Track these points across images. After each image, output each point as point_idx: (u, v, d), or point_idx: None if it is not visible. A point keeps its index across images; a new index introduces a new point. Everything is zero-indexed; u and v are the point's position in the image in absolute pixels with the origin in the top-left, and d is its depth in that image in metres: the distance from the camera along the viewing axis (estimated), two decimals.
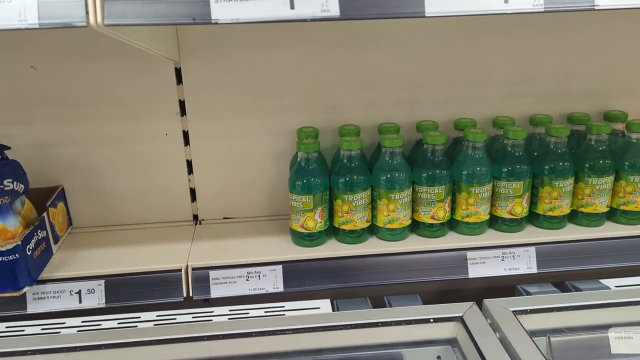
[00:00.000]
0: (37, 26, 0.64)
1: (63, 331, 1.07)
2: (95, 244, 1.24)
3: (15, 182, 1.05)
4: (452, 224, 1.25)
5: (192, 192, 1.34)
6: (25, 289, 1.06)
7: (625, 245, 1.22)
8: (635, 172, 1.22)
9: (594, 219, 1.25)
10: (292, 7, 0.62)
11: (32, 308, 1.10)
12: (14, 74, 1.19)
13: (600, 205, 1.24)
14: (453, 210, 1.24)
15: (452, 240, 1.22)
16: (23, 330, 1.08)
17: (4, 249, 1.01)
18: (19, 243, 1.02)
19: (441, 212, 1.21)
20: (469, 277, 1.19)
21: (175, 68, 1.22)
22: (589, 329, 1.08)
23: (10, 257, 1.02)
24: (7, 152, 1.11)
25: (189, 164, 1.31)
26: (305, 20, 0.64)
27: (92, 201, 1.31)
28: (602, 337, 1.07)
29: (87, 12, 0.64)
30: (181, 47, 1.21)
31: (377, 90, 1.30)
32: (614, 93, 1.36)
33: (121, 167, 1.29)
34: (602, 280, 1.17)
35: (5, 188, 1.03)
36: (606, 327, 1.07)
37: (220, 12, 0.64)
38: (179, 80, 1.23)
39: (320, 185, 1.16)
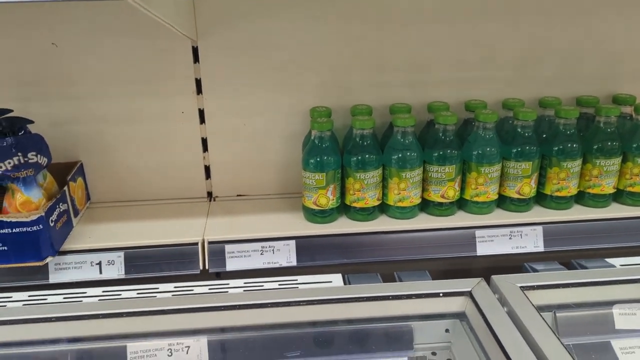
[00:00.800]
0: None
1: (84, 300, 1.11)
2: (113, 218, 1.28)
3: (38, 155, 1.08)
4: (461, 203, 1.28)
5: (207, 169, 1.37)
6: (48, 259, 1.10)
7: (631, 225, 1.25)
8: None
9: (601, 200, 1.28)
10: None
11: (54, 278, 1.14)
12: (35, 51, 1.22)
13: (607, 186, 1.26)
14: (462, 189, 1.26)
15: (461, 219, 1.25)
16: (45, 299, 1.12)
17: (28, 219, 1.05)
18: (43, 214, 1.06)
19: (451, 191, 1.24)
20: (477, 254, 1.22)
21: (193, 47, 1.25)
22: (594, 305, 1.10)
23: (34, 227, 1.06)
24: (29, 127, 1.14)
25: (204, 141, 1.34)
26: None
27: (110, 177, 1.34)
28: (606, 314, 1.10)
29: None
30: (198, 25, 1.23)
31: (389, 71, 1.32)
32: (623, 76, 1.37)
33: (138, 144, 1.32)
34: (608, 260, 1.19)
35: (30, 161, 1.06)
36: (611, 303, 1.10)
37: None
38: (196, 59, 1.26)
39: (333, 163, 1.19)
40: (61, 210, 1.15)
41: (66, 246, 1.15)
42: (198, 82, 1.28)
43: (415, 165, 1.20)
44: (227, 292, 1.14)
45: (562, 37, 1.33)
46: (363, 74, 1.31)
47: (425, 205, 1.27)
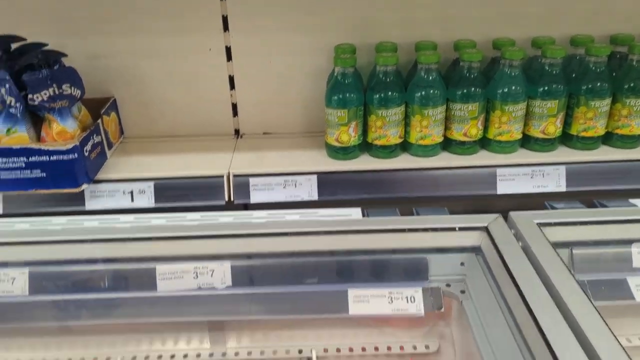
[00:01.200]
0: None
1: (118, 225, 1.18)
2: (145, 152, 1.34)
3: (72, 88, 1.13)
4: (484, 143, 1.28)
5: (234, 107, 1.40)
6: (84, 187, 1.17)
7: None
8: None
9: (629, 141, 1.25)
10: None
11: (89, 205, 1.22)
12: None
13: (637, 127, 1.23)
14: (486, 128, 1.26)
15: (483, 157, 1.25)
16: (82, 224, 1.20)
17: (64, 148, 1.11)
18: (77, 144, 1.12)
19: (474, 130, 1.23)
20: (497, 193, 1.23)
21: None
22: (612, 243, 1.10)
23: (70, 156, 1.12)
24: (63, 61, 1.19)
25: (231, 79, 1.37)
26: None
27: (142, 113, 1.40)
28: (624, 252, 1.10)
29: None
30: None
31: (415, 8, 1.30)
32: None
33: (169, 80, 1.36)
34: (632, 200, 1.18)
35: (64, 92, 1.12)
36: (630, 242, 1.10)
37: None
38: None
39: (355, 100, 1.20)
40: (95, 141, 1.21)
41: (100, 175, 1.22)
42: (225, 19, 1.30)
43: (438, 103, 1.20)
44: (250, 222, 1.20)
45: None
46: (389, 11, 1.30)
47: (448, 144, 1.27)
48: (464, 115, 1.22)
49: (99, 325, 1.15)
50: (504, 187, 1.23)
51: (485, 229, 1.10)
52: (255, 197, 1.24)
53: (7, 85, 1.08)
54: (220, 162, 1.27)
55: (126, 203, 1.22)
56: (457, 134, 1.25)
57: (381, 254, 1.13)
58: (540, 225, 1.10)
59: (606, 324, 0.81)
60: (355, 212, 1.23)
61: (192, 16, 1.29)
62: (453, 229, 1.12)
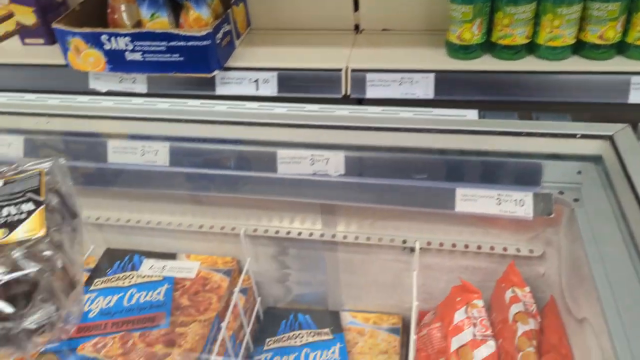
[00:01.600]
0: None
1: (244, 111, 1.28)
2: (269, 43, 1.40)
3: None
4: (621, 47, 1.18)
5: (356, 2, 1.40)
6: (215, 72, 1.27)
7: None
8: None
9: None
10: None
11: (219, 90, 1.32)
12: None
13: None
14: (625, 31, 1.16)
15: (618, 63, 1.17)
16: (213, 107, 1.31)
17: (199, 34, 1.20)
18: (211, 30, 1.20)
19: (611, 32, 1.14)
20: (629, 102, 1.15)
21: None
22: None
23: (204, 42, 1.21)
24: None
25: None
26: None
27: (268, 5, 1.45)
28: None
29: None
30: None
31: None
32: None
33: None
34: None
35: None
36: None
37: None
38: None
39: None
40: (225, 30, 1.29)
41: (229, 63, 1.31)
42: None
43: (575, 1, 1.12)
44: (366, 117, 1.24)
45: None
46: None
47: (579, 47, 1.20)
48: (602, 16, 1.13)
49: (226, 198, 1.29)
50: (636, 96, 1.15)
51: (610, 138, 1.06)
52: (370, 93, 1.27)
53: None
54: (339, 57, 1.31)
55: (251, 91, 1.31)
56: (591, 36, 1.16)
57: (493, 156, 1.13)
58: None
59: None
60: (471, 114, 1.22)
61: None
62: (573, 136, 1.08)
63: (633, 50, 1.16)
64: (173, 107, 1.32)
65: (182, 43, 1.21)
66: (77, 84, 1.36)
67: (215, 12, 1.29)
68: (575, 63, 1.19)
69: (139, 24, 1.34)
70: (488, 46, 1.24)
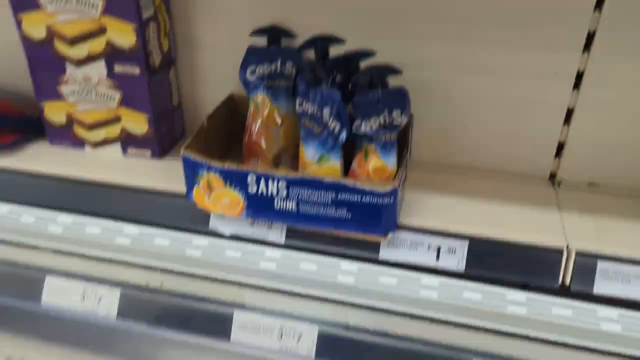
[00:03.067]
0: None
1: (421, 291, 0.95)
2: (443, 189, 1.07)
3: (402, 115, 0.89)
4: None
5: (560, 146, 1.09)
6: (390, 236, 0.94)
7: None
8: None
9: None
10: None
11: (384, 254, 0.98)
12: None
13: None
14: None
15: None
16: (377, 279, 0.98)
17: (382, 190, 0.87)
18: (397, 187, 0.88)
19: None
20: None
21: None
22: None
23: (385, 200, 0.89)
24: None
25: (569, 112, 1.05)
26: None
27: (437, 135, 1.14)
28: None
29: None
30: None
31: None
32: None
33: (483, 101, 1.08)
34: None
35: (394, 122, 0.88)
36: None
37: None
38: (599, 4, 0.94)
39: None
40: (402, 178, 0.97)
41: (401, 220, 0.98)
42: (590, 37, 0.96)
43: None
44: (597, 324, 0.90)
45: None
46: None
47: None
48: None
49: None
50: None
51: None
52: (599, 287, 0.92)
53: (336, 108, 0.86)
54: (549, 226, 0.97)
55: (430, 260, 0.97)
56: None
57: None
58: None
59: None
60: None
61: (549, 27, 0.97)
62: None
63: None
64: (323, 272, 0.99)
65: (355, 197, 0.89)
66: (193, 220, 1.04)
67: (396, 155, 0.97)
68: None
69: (284, 153, 1.03)
70: None
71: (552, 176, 1.12)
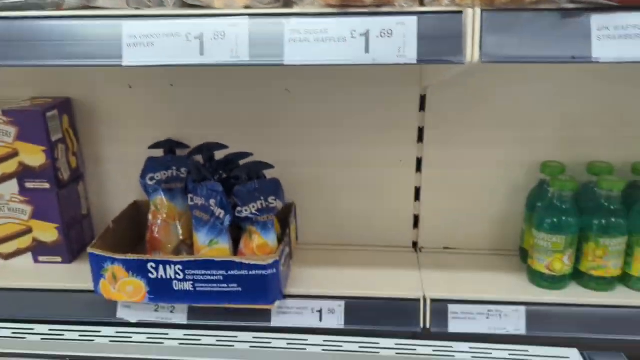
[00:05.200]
0: (415, 62, 0.65)
1: (308, 349, 1.09)
2: (324, 262, 1.26)
3: (277, 200, 1.09)
4: None
5: (416, 218, 1.32)
6: (276, 303, 1.09)
7: None
8: None
9: None
10: None
11: (276, 322, 1.13)
12: (268, 96, 1.25)
13: None
14: None
15: None
16: (270, 343, 1.11)
17: (265, 263, 1.05)
18: (278, 258, 1.06)
19: None
20: None
21: (420, 95, 1.22)
22: None
23: (269, 271, 1.05)
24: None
25: (417, 190, 1.30)
26: None
27: (317, 219, 1.34)
28: None
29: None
30: (424, 73, 1.20)
31: (627, 127, 1.20)
32: None
33: (351, 189, 1.31)
34: None
35: (270, 205, 1.07)
36: None
37: (600, 51, 0.60)
38: (422, 107, 1.22)
39: (574, 226, 1.09)
40: (286, 253, 1.15)
41: (288, 290, 1.14)
42: (420, 131, 1.24)
43: None
44: (453, 356, 1.07)
45: None
46: (600, 129, 1.20)
47: None
48: None
49: None
50: None
51: None
52: (454, 327, 1.11)
53: (219, 198, 1.04)
54: (410, 282, 1.17)
55: (314, 322, 1.13)
56: None
57: None
58: None
59: None
60: (573, 355, 1.08)
61: (389, 127, 1.24)
62: None
63: None
64: (221, 343, 1.11)
65: (243, 272, 1.05)
66: (101, 312, 1.14)
67: (276, 234, 1.15)
68: None
69: (182, 245, 1.18)
70: (576, 274, 1.14)
71: (415, 244, 1.35)
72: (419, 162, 1.27)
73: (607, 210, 1.09)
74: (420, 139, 1.25)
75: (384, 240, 1.34)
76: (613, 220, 1.08)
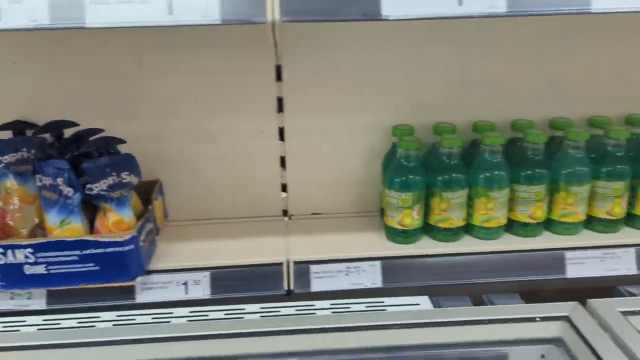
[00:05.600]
0: (219, 22, 0.66)
1: (173, 321, 1.10)
2: (193, 237, 1.27)
3: (131, 175, 1.08)
4: (547, 224, 1.24)
5: (284, 187, 1.36)
6: (138, 279, 1.09)
7: None
8: None
9: None
10: (460, 3, 0.63)
11: (140, 298, 1.13)
12: (119, 71, 1.23)
13: None
14: (550, 209, 1.23)
15: (548, 239, 1.22)
16: (134, 319, 1.11)
17: (121, 239, 1.04)
18: (136, 234, 1.06)
19: (539, 212, 1.20)
20: (567, 277, 1.19)
21: (276, 65, 1.24)
22: None
23: (127, 247, 1.05)
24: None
25: (282, 159, 1.33)
26: (472, 17, 0.65)
27: (187, 195, 1.34)
28: None
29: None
30: (281, 45, 1.22)
31: (471, 90, 1.30)
32: None
33: (216, 162, 1.32)
34: None
35: (123, 181, 1.06)
36: None
37: (389, 8, 0.65)
38: (279, 77, 1.25)
39: (420, 183, 1.17)
40: (148, 229, 1.15)
41: (152, 266, 1.14)
42: (280, 101, 1.27)
43: (504, 185, 1.18)
44: (314, 313, 1.13)
45: None
46: (445, 93, 1.29)
47: (510, 226, 1.24)
48: (529, 197, 1.19)
49: None
50: (573, 271, 1.19)
51: (567, 319, 1.05)
52: (316, 286, 1.17)
53: (66, 175, 1.02)
54: (276, 248, 1.21)
55: (180, 295, 1.14)
56: (522, 216, 1.21)
57: (456, 348, 1.07)
58: (624, 313, 1.05)
59: None
60: (423, 301, 1.17)
61: (247, 97, 1.26)
62: (533, 320, 1.06)
63: (558, 226, 1.23)
64: (81, 325, 1.10)
65: (99, 250, 1.04)
66: None
67: (135, 210, 1.14)
68: (509, 241, 1.22)
69: (37, 229, 1.14)
70: (426, 228, 1.23)
71: (285, 212, 1.39)
72: (282, 131, 1.30)
73: (448, 166, 1.18)
74: (280, 109, 1.28)
75: (255, 211, 1.37)
76: (453, 175, 1.17)
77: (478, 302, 1.14)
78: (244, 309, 1.14)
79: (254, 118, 1.28)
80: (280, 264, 1.16)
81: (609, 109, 1.30)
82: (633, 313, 1.05)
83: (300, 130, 1.30)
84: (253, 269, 1.16)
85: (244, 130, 1.29)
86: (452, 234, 1.22)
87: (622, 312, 1.05)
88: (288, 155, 1.33)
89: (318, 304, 1.15)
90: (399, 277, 1.19)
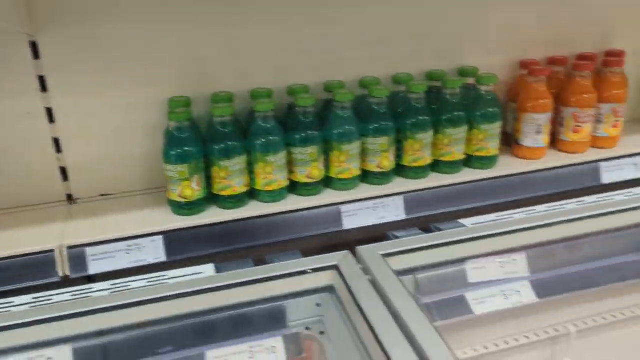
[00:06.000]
0: None
1: None
2: None
3: None
4: (327, 182, 1.32)
5: (64, 171, 1.29)
6: None
7: (480, 187, 1.36)
8: (485, 122, 1.35)
9: (453, 167, 1.38)
10: None
11: None
12: None
13: (458, 153, 1.36)
14: (327, 168, 1.30)
15: (327, 196, 1.29)
16: None
17: None
18: None
19: (316, 171, 1.27)
20: (344, 228, 1.27)
21: (30, 42, 1.16)
22: (450, 263, 1.19)
23: None
24: None
25: (57, 142, 1.26)
26: None
27: None
28: (461, 270, 1.20)
29: None
30: (34, 20, 1.15)
31: (247, 58, 1.32)
32: (467, 51, 1.48)
33: None
34: (461, 220, 1.29)
35: None
36: (464, 260, 1.20)
37: None
38: (36, 55, 1.18)
39: (195, 153, 1.18)
40: None
41: None
42: (42, 79, 1.20)
43: (280, 149, 1.22)
44: (90, 296, 1.10)
45: (409, 17, 1.40)
46: (222, 62, 1.30)
47: (293, 187, 1.29)
48: (305, 159, 1.25)
49: None
50: (349, 222, 1.28)
51: (336, 267, 1.13)
52: (94, 268, 1.14)
53: None
54: (51, 234, 1.16)
55: None
56: (301, 177, 1.27)
57: (238, 309, 1.10)
58: (384, 256, 1.15)
59: (445, 343, 0.87)
60: (207, 269, 1.19)
61: (4, 80, 1.17)
62: (306, 272, 1.13)
63: (337, 183, 1.31)
64: None
65: None
66: None
67: None
68: (292, 202, 1.27)
69: None
70: (212, 197, 1.25)
71: (70, 196, 1.33)
72: (51, 112, 1.23)
73: (223, 135, 1.19)
74: (44, 88, 1.21)
75: (36, 198, 1.30)
76: (229, 143, 1.19)
77: (261, 263, 1.19)
78: (12, 302, 1.08)
79: (15, 99, 1.20)
80: (52, 251, 1.11)
81: (377, 69, 1.40)
82: (392, 254, 1.16)
83: (71, 109, 1.24)
84: (23, 259, 1.10)
85: (6, 113, 1.20)
86: (236, 200, 1.24)
87: (383, 254, 1.15)
88: (63, 138, 1.26)
89: (96, 286, 1.12)
90: (184, 249, 1.19)
